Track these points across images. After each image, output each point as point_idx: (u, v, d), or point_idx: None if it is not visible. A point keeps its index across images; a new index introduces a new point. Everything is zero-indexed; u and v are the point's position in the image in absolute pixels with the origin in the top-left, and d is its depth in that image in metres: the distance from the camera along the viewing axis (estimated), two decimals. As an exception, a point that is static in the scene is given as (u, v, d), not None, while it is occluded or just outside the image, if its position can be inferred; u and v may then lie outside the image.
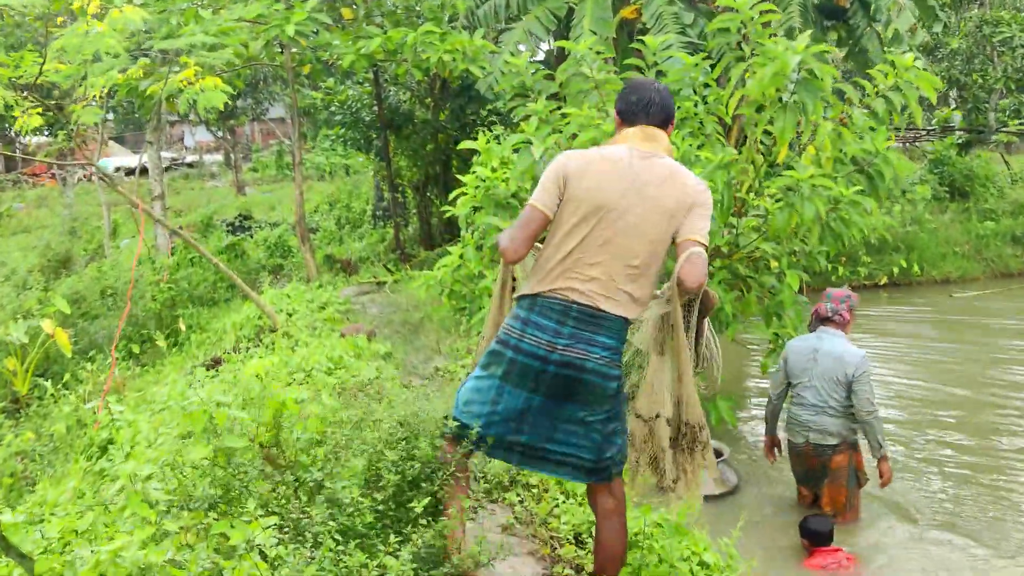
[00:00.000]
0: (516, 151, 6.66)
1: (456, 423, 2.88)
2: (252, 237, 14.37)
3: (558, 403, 2.79)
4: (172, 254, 11.66)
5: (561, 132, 6.09)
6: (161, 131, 11.70)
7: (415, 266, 11.10)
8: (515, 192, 6.21)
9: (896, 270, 11.58)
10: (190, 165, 38.96)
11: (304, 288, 7.63)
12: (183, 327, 8.26)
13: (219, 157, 38.05)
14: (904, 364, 8.42)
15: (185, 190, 29.78)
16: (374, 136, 12.49)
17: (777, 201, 5.29)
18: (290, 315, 6.56)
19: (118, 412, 3.95)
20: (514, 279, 3.07)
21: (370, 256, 12.56)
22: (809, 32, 5.14)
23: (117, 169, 37.51)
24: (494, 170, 6.29)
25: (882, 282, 11.98)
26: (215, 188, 30.56)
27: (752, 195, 5.39)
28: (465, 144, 6.49)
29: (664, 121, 2.92)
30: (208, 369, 5.20)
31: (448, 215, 6.64)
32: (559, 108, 6.86)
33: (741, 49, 5.30)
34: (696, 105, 5.98)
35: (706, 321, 3.03)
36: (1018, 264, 13.46)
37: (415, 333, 6.45)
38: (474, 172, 6.43)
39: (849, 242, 5.12)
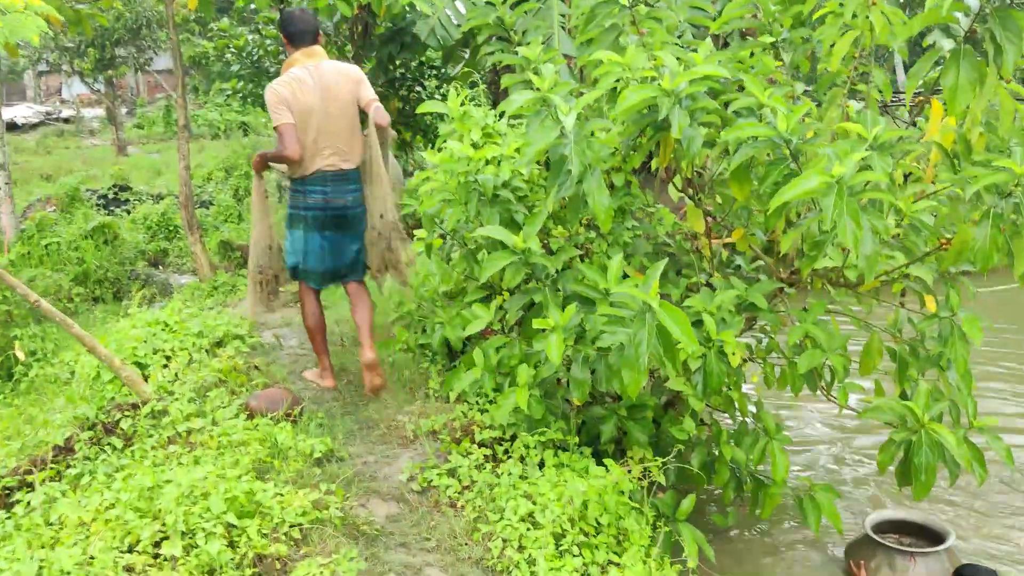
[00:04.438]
0: (502, 117, 4.60)
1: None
2: (129, 213, 11.81)
3: (339, 232, 4.44)
4: (22, 239, 9.11)
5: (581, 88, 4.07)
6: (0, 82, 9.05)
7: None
8: (508, 180, 4.15)
9: None
10: (66, 120, 35.07)
11: (190, 307, 5.39)
12: (21, 354, 5.93)
13: (101, 112, 34.21)
14: None
15: (59, 149, 26.33)
16: (280, 91, 10.11)
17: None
18: (166, 364, 4.36)
19: None
20: (265, 190, 4.68)
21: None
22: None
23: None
24: (476, 147, 4.22)
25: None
26: (94, 147, 27.18)
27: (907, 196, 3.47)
28: (427, 107, 4.37)
29: (315, 38, 4.45)
30: None
31: (404, 209, 4.53)
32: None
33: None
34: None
35: (389, 151, 4.56)
36: None
37: (359, 391, 4.32)
38: (443, 148, 4.34)
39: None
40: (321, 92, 4.25)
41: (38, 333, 6.20)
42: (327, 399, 4.25)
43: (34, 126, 33.52)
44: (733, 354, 3.64)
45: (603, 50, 3.78)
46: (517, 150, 4.36)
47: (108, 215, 11.54)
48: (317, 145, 4.28)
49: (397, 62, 9.85)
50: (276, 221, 4.82)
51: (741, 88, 3.83)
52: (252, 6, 11.06)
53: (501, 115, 4.44)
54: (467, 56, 8.93)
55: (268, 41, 10.05)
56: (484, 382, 3.66)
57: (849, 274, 3.77)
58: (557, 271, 3.59)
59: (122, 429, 3.56)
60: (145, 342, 4.52)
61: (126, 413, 3.68)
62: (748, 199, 3.84)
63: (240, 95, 10.37)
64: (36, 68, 28.28)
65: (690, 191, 4.27)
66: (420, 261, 4.49)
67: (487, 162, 4.24)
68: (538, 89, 3.69)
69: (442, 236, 4.49)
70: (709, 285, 4.33)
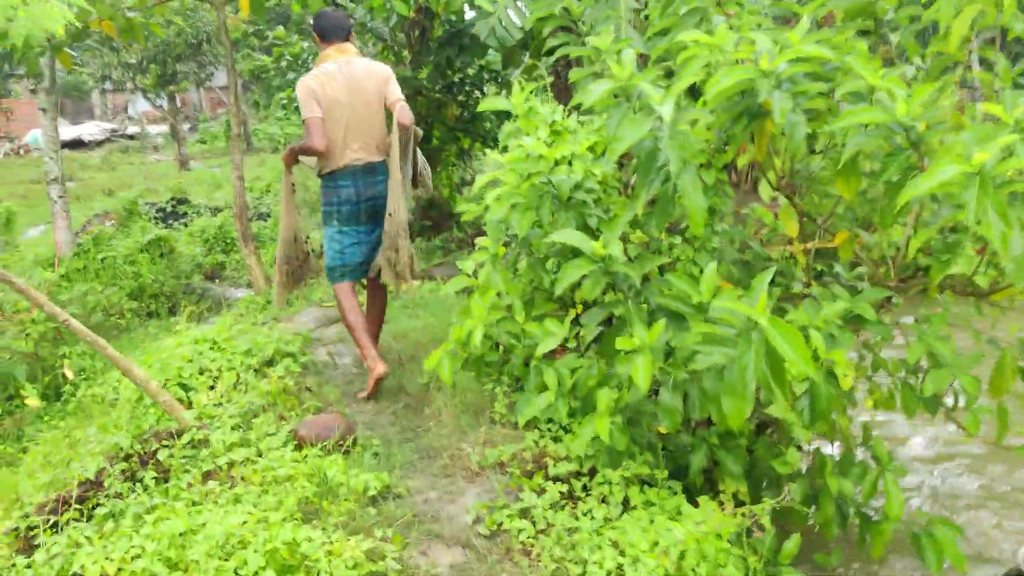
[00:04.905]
0: (577, 112, 4.19)
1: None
2: (187, 226, 11.68)
3: (370, 223, 4.59)
4: (78, 253, 8.98)
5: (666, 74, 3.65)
6: (57, 94, 8.96)
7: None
8: (581, 181, 3.73)
9: None
10: (131, 137, 35.69)
11: (240, 323, 5.08)
12: (70, 373, 5.70)
13: (166, 128, 34.77)
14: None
15: (122, 165, 26.70)
16: (336, 100, 9.85)
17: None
18: (213, 385, 4.04)
19: None
20: (293, 184, 4.86)
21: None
22: None
23: (50, 142, 34.26)
24: (548, 145, 3.82)
25: None
26: (158, 162, 27.53)
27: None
28: (489, 103, 4.00)
29: (347, 36, 4.61)
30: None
31: (465, 216, 4.14)
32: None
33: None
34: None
35: (417, 149, 4.67)
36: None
37: (418, 414, 3.94)
38: (508, 146, 3.95)
39: None
40: (349, 87, 4.39)
41: (88, 351, 5.97)
42: (383, 423, 3.88)
43: (100, 143, 34.22)
44: (844, 376, 3.17)
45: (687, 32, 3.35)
46: (590, 148, 3.96)
47: (166, 228, 11.43)
48: (346, 139, 4.43)
49: (456, 66, 9.49)
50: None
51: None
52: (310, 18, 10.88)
53: (573, 109, 4.03)
54: (526, 59, 8.55)
55: (324, 48, 9.82)
56: (558, 408, 3.24)
57: (980, 281, 3.27)
58: (641, 281, 3.16)
59: (158, 460, 3.22)
60: (191, 361, 4.21)
61: (164, 443, 3.35)
62: (856, 197, 3.38)
63: (296, 105, 10.12)
64: (101, 86, 28.69)
65: (785, 189, 3.81)
66: (482, 273, 4.08)
67: (556, 162, 3.84)
68: (616, 78, 3.28)
69: (506, 244, 4.09)
70: (806, 295, 3.87)
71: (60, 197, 8.71)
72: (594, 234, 3.93)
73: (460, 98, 9.90)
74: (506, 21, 7.53)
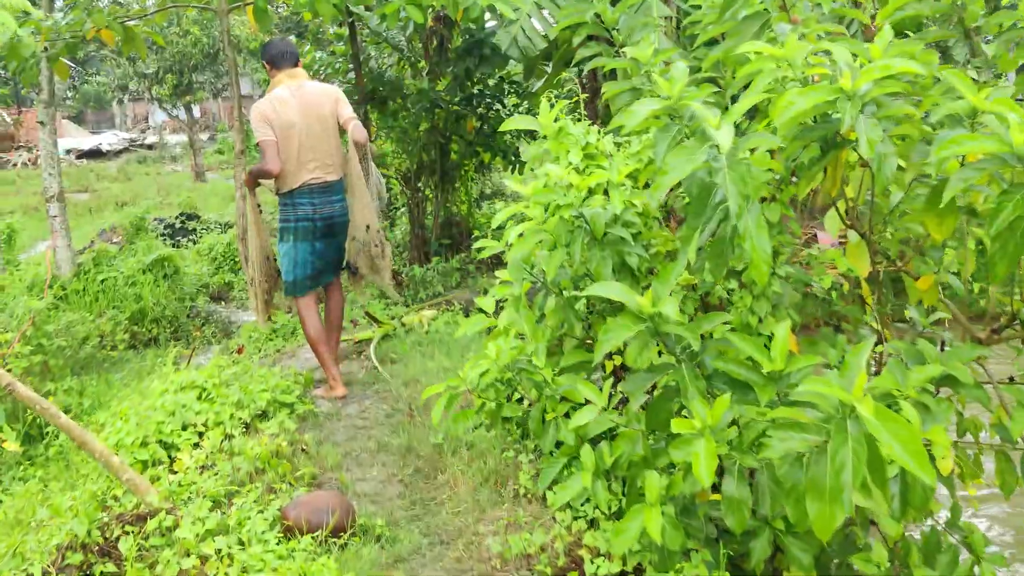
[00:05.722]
0: (613, 134, 3.69)
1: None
2: (195, 243, 11.24)
3: (326, 238, 4.70)
4: (78, 274, 8.54)
5: (718, 90, 3.15)
6: (54, 105, 8.53)
7: (408, 291, 8.05)
8: (618, 214, 3.21)
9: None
10: (149, 147, 35.50)
11: (235, 364, 4.57)
12: (53, 412, 5.19)
13: (184, 139, 34.60)
14: None
15: (139, 175, 26.44)
16: (350, 112, 9.37)
17: None
18: (198, 443, 3.54)
19: None
20: (258, 204, 5.01)
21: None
22: None
23: (68, 151, 34.09)
24: (580, 171, 3.31)
25: None
26: (174, 173, 27.24)
27: None
28: (513, 123, 3.50)
29: (296, 62, 4.78)
30: None
31: (483, 253, 3.61)
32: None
33: None
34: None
35: (372, 164, 4.94)
36: None
37: (430, 482, 3.41)
38: (532, 173, 3.46)
39: None
40: (302, 109, 4.58)
41: (74, 387, 5.49)
42: (390, 494, 3.35)
43: (118, 153, 34.05)
44: (943, 458, 2.63)
45: (750, 42, 2.82)
46: (630, 175, 3.44)
47: (174, 245, 11.00)
48: (301, 159, 4.60)
49: (475, 77, 8.99)
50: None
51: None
52: (330, 27, 10.44)
53: (611, 130, 3.53)
54: (550, 70, 8.05)
55: (338, 59, 9.34)
56: (597, 492, 2.71)
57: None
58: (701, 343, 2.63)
59: (119, 552, 2.71)
60: (174, 415, 3.71)
61: (128, 528, 2.84)
62: (949, 237, 2.84)
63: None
64: (118, 96, 28.49)
65: (858, 224, 3.27)
66: (504, 315, 3.56)
67: (590, 191, 3.33)
68: (664, 97, 2.76)
69: (533, 283, 3.57)
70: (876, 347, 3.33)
71: (59, 215, 8.27)
72: (634, 275, 3.43)
73: (479, 111, 9.40)
74: (529, 30, 7.04)
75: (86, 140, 35.61)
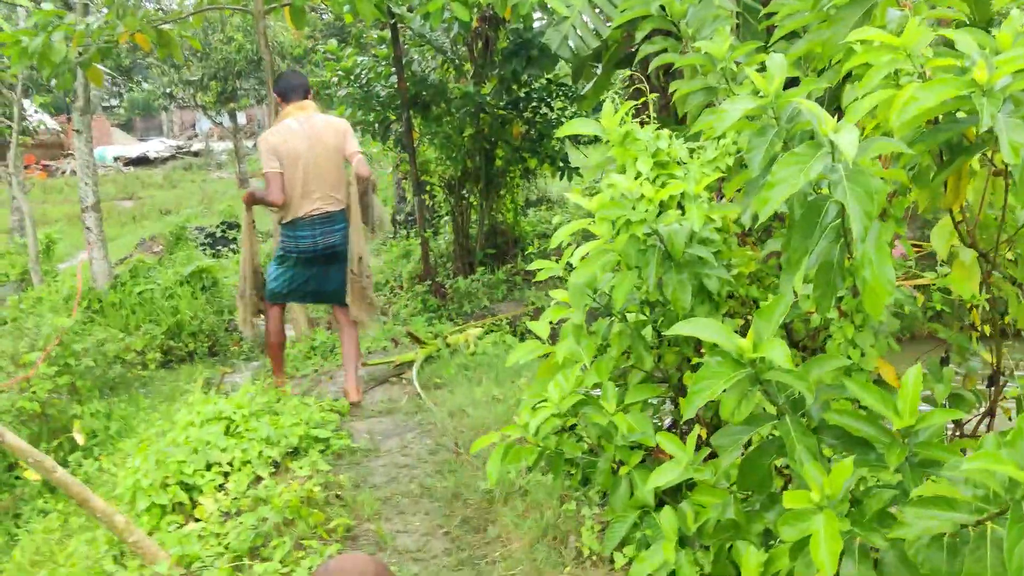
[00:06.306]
0: (693, 140, 3.26)
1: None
2: (236, 252, 10.99)
3: (326, 266, 4.80)
4: (115, 287, 8.30)
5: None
6: (89, 113, 8.33)
7: (452, 304, 7.67)
8: (696, 231, 2.80)
9: None
10: (195, 154, 35.70)
11: (267, 390, 4.22)
12: (80, 438, 4.92)
13: (231, 145, 34.78)
14: None
15: (184, 183, 26.53)
16: (392, 118, 9.03)
17: None
18: (222, 485, 3.19)
19: None
20: (252, 220, 5.11)
21: (389, 280, 9.16)
22: None
23: (116, 159, 34.41)
24: (652, 182, 2.89)
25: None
26: (219, 180, 27.30)
27: None
28: (573, 127, 3.10)
29: (305, 94, 4.85)
30: None
31: (539, 275, 3.20)
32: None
33: None
34: None
35: (375, 196, 5.02)
36: None
37: (480, 535, 3.00)
38: (593, 185, 3.03)
39: None
40: (309, 140, 4.66)
41: (102, 410, 5.19)
42: (434, 550, 2.95)
43: (165, 160, 34.29)
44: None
45: (861, 29, 2.39)
46: (710, 188, 3.02)
47: (214, 255, 10.77)
48: (306, 188, 4.67)
49: (522, 79, 8.59)
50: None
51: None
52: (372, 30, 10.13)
53: (685, 135, 3.11)
54: (599, 71, 7.62)
55: (380, 62, 9.00)
56: (681, 565, 2.28)
57: None
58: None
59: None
60: (197, 452, 3.36)
61: (135, 597, 2.49)
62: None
63: (353, 122, 9.33)
64: (165, 103, 28.60)
65: (978, 244, 2.81)
66: (561, 345, 3.14)
67: (662, 204, 2.91)
68: (760, 94, 2.34)
69: (595, 310, 3.16)
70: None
71: (94, 226, 8.04)
72: (713, 301, 3.00)
73: (526, 115, 9.01)
74: (581, 28, 6.62)
75: (133, 148, 35.93)
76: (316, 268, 4.81)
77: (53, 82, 6.85)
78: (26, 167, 30.08)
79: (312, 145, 4.64)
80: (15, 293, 8.93)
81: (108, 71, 22.79)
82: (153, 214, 18.08)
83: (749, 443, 2.39)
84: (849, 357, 2.80)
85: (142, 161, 33.75)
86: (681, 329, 2.13)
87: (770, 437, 2.33)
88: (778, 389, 2.17)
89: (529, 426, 2.62)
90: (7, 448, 2.52)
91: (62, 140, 33.93)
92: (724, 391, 2.06)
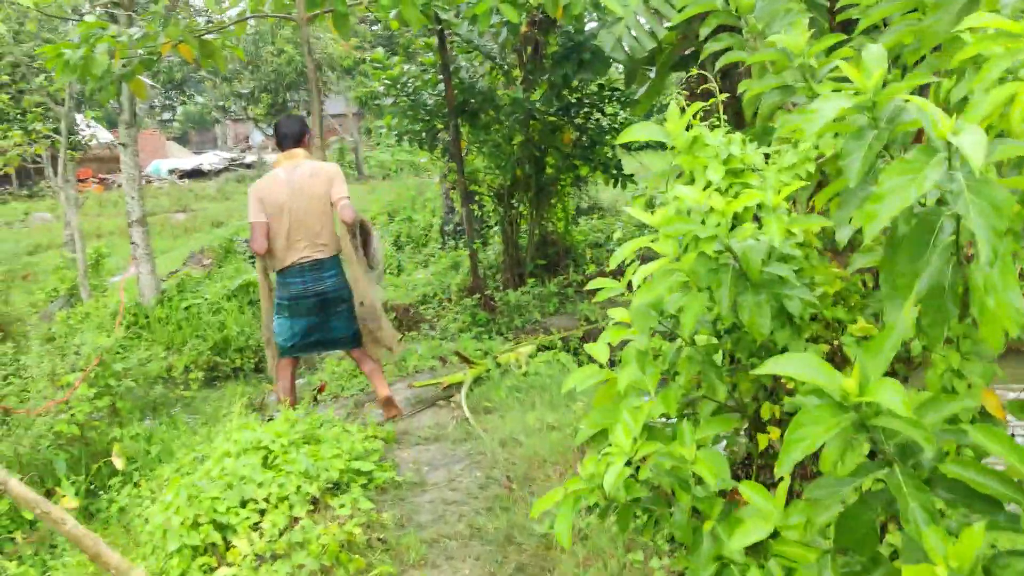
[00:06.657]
0: (757, 144, 2.97)
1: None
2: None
3: (323, 313, 4.87)
4: (161, 301, 8.21)
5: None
6: (135, 126, 8.25)
7: (502, 318, 7.40)
8: (775, 247, 2.49)
9: None
10: (248, 166, 36.09)
11: (308, 415, 3.99)
12: (119, 463, 4.77)
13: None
14: None
15: (236, 194, 26.70)
16: (440, 127, 8.82)
17: None
18: (257, 524, 2.96)
19: None
20: (265, 266, 5.05)
21: (437, 293, 8.93)
22: None
23: (171, 171, 34.94)
24: (724, 192, 2.60)
25: None
26: (270, 192, 27.44)
27: None
28: (633, 132, 2.80)
29: (297, 142, 4.98)
30: None
31: (600, 295, 2.91)
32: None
33: None
34: None
35: (375, 235, 5.09)
36: None
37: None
38: (657, 199, 2.77)
39: None
40: (291, 189, 4.75)
41: (142, 433, 5.02)
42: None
43: (219, 172, 34.70)
44: None
45: (976, 14, 2.06)
46: (790, 198, 2.70)
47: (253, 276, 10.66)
48: (292, 237, 4.77)
49: (573, 85, 8.31)
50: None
51: None
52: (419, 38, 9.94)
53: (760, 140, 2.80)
54: (653, 75, 7.31)
55: (427, 70, 8.81)
56: (770, 638, 1.98)
57: None
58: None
59: None
60: (231, 488, 3.13)
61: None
62: None
63: (395, 133, 9.15)
64: (214, 115, 28.93)
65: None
66: (623, 373, 2.85)
67: (735, 217, 2.60)
68: (856, 91, 2.03)
69: (662, 334, 2.87)
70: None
71: (141, 241, 7.95)
72: (794, 323, 2.70)
73: (577, 121, 8.72)
74: (636, 29, 6.32)
75: (188, 160, 36.45)
76: (314, 317, 4.88)
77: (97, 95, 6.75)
78: (82, 180, 30.67)
79: (294, 194, 4.72)
80: (64, 308, 8.91)
81: (156, 84, 23.01)
82: (205, 226, 18.17)
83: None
84: (954, 389, 2.47)
85: (196, 173, 34.20)
86: (772, 368, 1.82)
87: (872, 488, 2.01)
88: (887, 436, 1.85)
89: (604, 483, 2.32)
90: (14, 499, 2.31)
91: (118, 154, 34.61)
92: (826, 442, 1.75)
